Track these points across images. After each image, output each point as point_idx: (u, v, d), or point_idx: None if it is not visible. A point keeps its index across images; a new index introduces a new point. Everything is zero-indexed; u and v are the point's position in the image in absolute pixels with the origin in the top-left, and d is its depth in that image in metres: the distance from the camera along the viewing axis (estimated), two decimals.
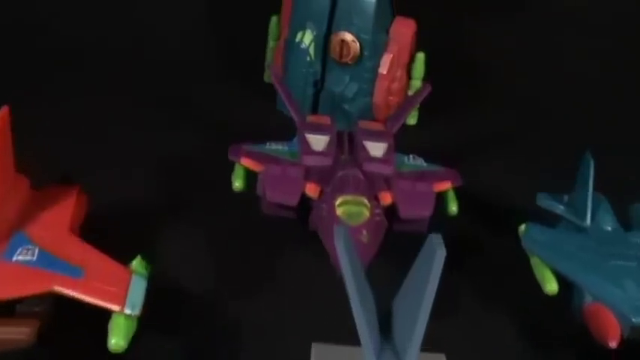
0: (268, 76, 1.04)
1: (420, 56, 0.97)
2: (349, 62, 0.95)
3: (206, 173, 0.84)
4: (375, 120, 0.92)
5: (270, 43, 1.03)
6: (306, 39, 0.95)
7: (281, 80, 0.88)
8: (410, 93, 0.98)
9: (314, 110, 0.98)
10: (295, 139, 0.80)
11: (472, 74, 1.08)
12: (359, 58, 0.95)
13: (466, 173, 0.83)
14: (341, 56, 0.95)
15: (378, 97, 0.96)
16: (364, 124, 0.85)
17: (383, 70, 0.96)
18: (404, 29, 0.97)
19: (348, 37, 0.94)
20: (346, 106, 0.96)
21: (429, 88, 0.89)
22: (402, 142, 0.85)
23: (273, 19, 1.02)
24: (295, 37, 0.96)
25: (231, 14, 1.13)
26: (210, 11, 1.14)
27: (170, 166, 0.87)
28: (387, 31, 0.96)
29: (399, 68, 0.97)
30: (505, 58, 1.12)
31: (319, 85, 0.97)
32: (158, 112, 0.96)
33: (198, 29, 1.11)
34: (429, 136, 0.96)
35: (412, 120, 0.98)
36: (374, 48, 0.95)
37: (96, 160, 0.86)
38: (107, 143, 0.90)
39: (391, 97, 0.97)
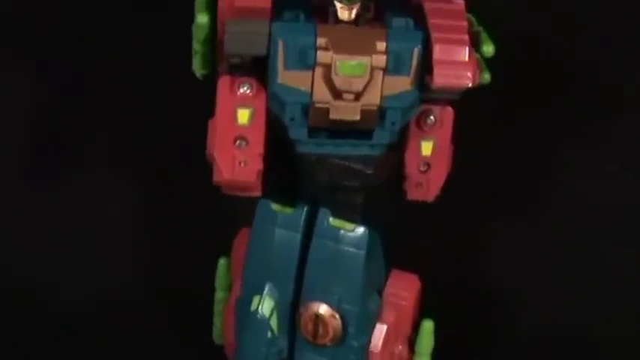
0: (219, 336, 0.75)
1: (428, 326, 0.69)
2: (327, 344, 0.66)
3: None
4: None
5: (219, 294, 0.75)
6: (265, 308, 0.67)
7: None
8: None
9: None
10: None
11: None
12: (341, 338, 0.66)
13: None
14: (315, 336, 0.66)
15: None
16: None
17: (375, 348, 0.68)
18: (404, 291, 0.69)
19: (325, 310, 0.66)
20: None
21: None
22: None
23: (222, 262, 0.73)
24: (250, 300, 0.68)
25: (173, 258, 0.84)
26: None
27: None
28: (380, 293, 0.68)
29: (399, 342, 0.69)
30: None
31: None
32: None
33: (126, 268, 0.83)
34: None
35: None
36: (362, 321, 0.67)
37: None
38: None
39: None
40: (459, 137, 0.67)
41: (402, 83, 0.60)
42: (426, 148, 0.65)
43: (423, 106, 0.64)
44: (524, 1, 0.86)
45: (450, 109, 0.65)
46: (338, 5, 0.60)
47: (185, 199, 0.83)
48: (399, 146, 0.65)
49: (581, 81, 0.86)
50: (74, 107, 0.84)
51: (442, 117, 0.65)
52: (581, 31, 0.86)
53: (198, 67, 0.64)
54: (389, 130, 0.61)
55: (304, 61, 0.59)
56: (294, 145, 0.62)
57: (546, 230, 0.85)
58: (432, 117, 0.65)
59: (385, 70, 0.60)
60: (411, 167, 0.65)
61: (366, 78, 0.59)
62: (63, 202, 0.84)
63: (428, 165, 0.66)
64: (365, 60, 0.59)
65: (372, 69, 0.59)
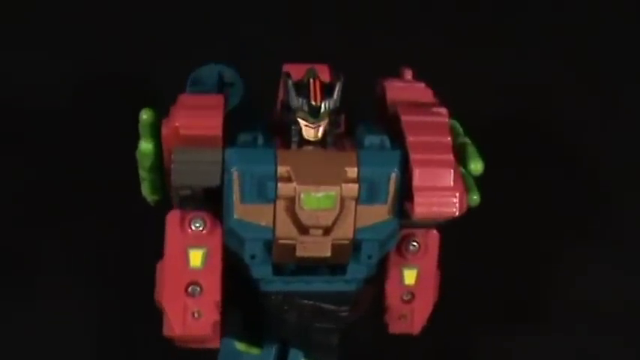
0: None
1: None
2: None
3: None
4: None
5: None
6: None
7: None
8: None
9: None
10: None
11: None
12: None
13: None
14: None
15: None
16: None
17: None
18: None
19: None
20: None
21: None
22: None
23: None
24: None
25: None
26: None
27: None
28: None
29: None
30: None
31: None
32: None
33: None
34: None
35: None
36: None
37: None
38: None
39: None
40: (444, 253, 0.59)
41: (379, 212, 0.53)
42: (409, 276, 0.57)
43: (405, 231, 0.56)
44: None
45: (435, 232, 0.57)
46: (302, 123, 0.52)
47: (146, 329, 0.75)
48: (377, 277, 0.56)
49: (574, 185, 0.79)
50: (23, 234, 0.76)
51: (426, 242, 0.57)
52: (581, 131, 0.80)
53: (147, 194, 0.56)
54: (365, 263, 0.53)
55: (264, 194, 0.51)
56: (257, 282, 0.54)
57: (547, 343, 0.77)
58: (414, 243, 0.57)
59: (358, 199, 0.52)
60: (393, 298, 0.57)
61: (336, 210, 0.51)
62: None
63: (412, 294, 0.58)
64: (333, 191, 0.51)
65: (343, 199, 0.51)
